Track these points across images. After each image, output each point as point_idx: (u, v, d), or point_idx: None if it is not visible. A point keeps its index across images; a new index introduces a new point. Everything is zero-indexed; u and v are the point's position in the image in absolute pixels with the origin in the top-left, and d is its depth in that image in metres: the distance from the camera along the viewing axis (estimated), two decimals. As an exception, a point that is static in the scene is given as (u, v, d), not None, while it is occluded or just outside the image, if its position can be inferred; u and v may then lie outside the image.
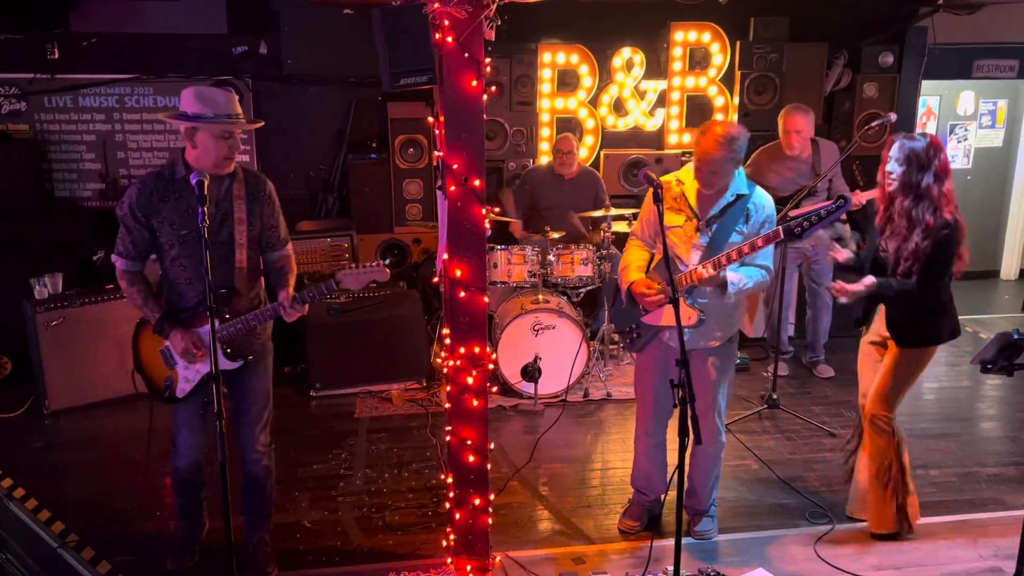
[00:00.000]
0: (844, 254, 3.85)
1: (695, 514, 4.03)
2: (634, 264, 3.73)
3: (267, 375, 3.64)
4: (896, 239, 3.66)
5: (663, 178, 3.67)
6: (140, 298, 3.38)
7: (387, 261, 3.52)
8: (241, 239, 3.36)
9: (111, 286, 5.42)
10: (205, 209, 2.91)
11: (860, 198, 5.46)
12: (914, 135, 3.63)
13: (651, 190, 3.59)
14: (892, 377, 3.77)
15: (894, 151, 3.62)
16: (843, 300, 3.70)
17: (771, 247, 3.55)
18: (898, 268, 3.63)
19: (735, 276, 3.49)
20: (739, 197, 3.55)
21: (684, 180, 3.63)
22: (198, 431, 3.56)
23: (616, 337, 6.03)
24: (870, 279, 3.63)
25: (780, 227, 3.36)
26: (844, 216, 5.69)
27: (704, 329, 3.63)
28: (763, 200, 3.58)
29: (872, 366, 3.93)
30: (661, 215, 3.21)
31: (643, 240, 3.79)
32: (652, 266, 3.73)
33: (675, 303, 3.02)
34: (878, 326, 3.86)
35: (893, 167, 3.61)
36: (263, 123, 3.35)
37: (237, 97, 3.30)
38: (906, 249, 3.59)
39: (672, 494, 3.97)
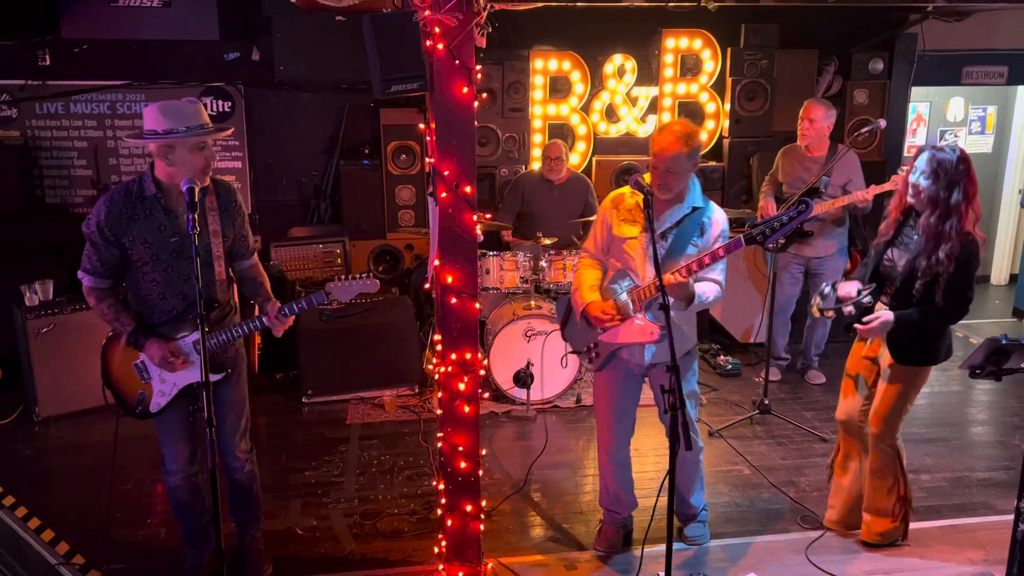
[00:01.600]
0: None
1: (685, 519, 4.03)
2: (587, 283, 3.65)
3: (242, 382, 3.57)
4: (910, 253, 3.54)
5: (616, 191, 3.64)
6: (111, 312, 3.30)
7: (372, 274, 3.45)
8: (218, 251, 3.32)
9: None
10: (195, 216, 2.91)
11: (867, 195, 5.23)
12: (943, 147, 3.46)
13: (604, 201, 3.62)
14: (897, 398, 3.70)
15: (921, 163, 3.46)
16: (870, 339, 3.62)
17: (723, 263, 3.49)
18: (912, 284, 3.52)
19: (699, 288, 3.43)
20: (694, 210, 3.50)
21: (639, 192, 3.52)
22: (186, 444, 3.47)
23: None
24: (887, 315, 3.50)
25: (741, 236, 3.29)
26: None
27: (664, 343, 3.50)
28: (718, 215, 3.54)
29: (858, 383, 3.90)
30: (651, 220, 3.21)
31: (594, 256, 3.71)
32: (606, 282, 3.64)
33: (666, 308, 3.02)
34: (875, 342, 3.80)
35: (920, 180, 3.45)
36: (232, 130, 3.30)
37: (203, 106, 3.25)
38: (925, 266, 3.45)
39: (662, 501, 3.97)
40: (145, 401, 3.38)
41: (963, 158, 3.43)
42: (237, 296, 3.66)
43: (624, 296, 3.52)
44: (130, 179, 3.28)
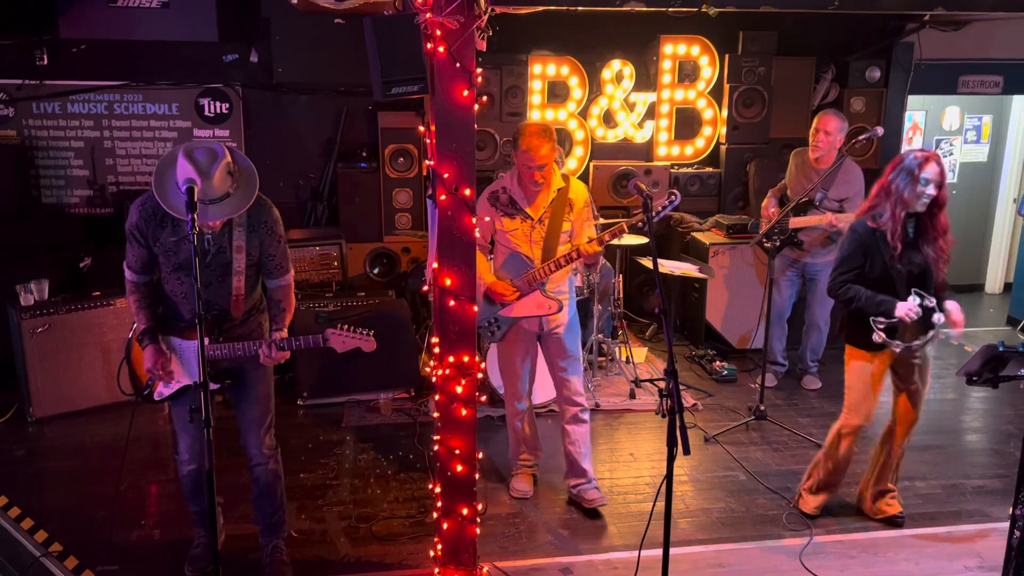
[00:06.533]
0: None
1: (581, 487, 4.34)
2: (482, 266, 3.99)
3: (266, 379, 3.62)
4: (930, 247, 3.80)
5: (489, 189, 4.13)
6: (134, 307, 3.43)
7: (374, 333, 3.48)
8: (239, 267, 3.36)
9: (98, 293, 5.39)
10: (194, 216, 2.93)
11: (836, 221, 5.24)
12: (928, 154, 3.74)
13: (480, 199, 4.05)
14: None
15: (935, 171, 3.68)
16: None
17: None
18: (938, 276, 3.83)
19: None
20: (559, 191, 4.03)
21: (508, 187, 4.07)
22: (195, 436, 3.54)
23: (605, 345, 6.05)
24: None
25: (623, 222, 3.95)
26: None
27: (559, 312, 4.15)
28: (577, 188, 4.10)
29: (880, 389, 4.01)
30: (651, 222, 3.21)
31: (481, 247, 4.01)
32: (500, 265, 4.17)
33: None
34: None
35: (931, 189, 3.69)
36: (220, 222, 3.22)
37: (221, 166, 3.12)
38: (943, 253, 3.80)
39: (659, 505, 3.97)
40: (152, 388, 3.53)
41: None
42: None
43: None
44: None
